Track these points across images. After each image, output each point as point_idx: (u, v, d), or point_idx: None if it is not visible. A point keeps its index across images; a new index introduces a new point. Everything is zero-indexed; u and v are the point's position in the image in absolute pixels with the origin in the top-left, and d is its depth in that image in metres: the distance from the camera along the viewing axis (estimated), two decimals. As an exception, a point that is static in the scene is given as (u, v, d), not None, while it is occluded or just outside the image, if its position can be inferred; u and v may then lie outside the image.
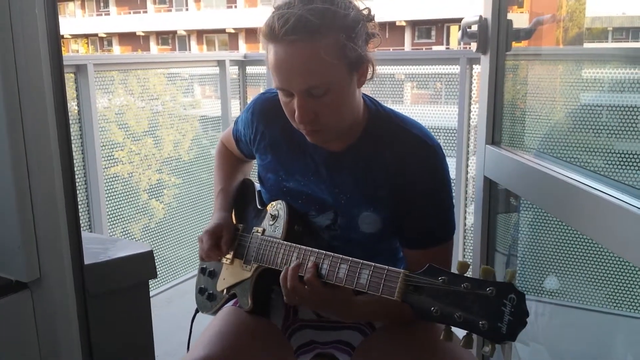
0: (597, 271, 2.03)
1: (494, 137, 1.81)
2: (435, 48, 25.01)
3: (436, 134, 3.13)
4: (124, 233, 3.26)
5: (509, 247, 2.06)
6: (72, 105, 2.82)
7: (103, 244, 1.64)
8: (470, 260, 2.36)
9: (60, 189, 1.23)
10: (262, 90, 1.52)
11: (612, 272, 2.01)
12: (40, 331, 1.28)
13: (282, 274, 1.25)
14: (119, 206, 3.17)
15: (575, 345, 2.03)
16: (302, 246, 1.27)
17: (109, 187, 3.06)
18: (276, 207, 1.41)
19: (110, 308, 1.45)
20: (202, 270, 1.61)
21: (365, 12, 1.23)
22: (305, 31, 1.14)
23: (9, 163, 1.18)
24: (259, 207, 1.52)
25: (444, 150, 1.33)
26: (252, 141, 1.47)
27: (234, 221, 1.55)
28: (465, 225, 3.10)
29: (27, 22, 1.13)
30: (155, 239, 3.47)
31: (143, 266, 1.57)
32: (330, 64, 1.16)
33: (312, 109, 1.20)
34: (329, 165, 1.35)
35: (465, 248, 3.12)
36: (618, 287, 2.01)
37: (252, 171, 1.68)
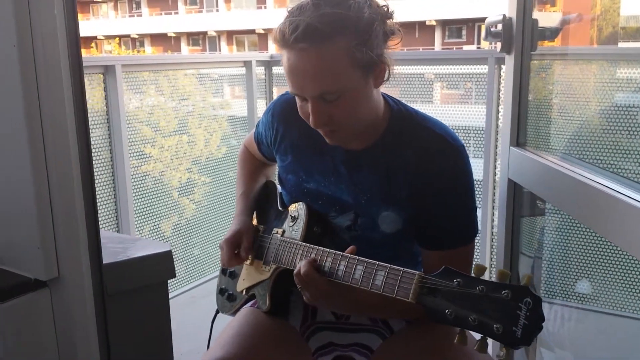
0: (626, 276, 1.98)
1: (518, 138, 1.77)
2: (465, 47, 24.75)
3: (466, 134, 3.07)
4: (153, 231, 3.29)
5: (534, 250, 2.02)
6: (101, 106, 2.86)
7: (123, 243, 1.65)
8: (494, 265, 2.32)
9: (79, 189, 1.24)
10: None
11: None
12: (59, 329, 1.30)
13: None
14: (149, 204, 3.20)
15: (602, 351, 1.99)
16: (320, 247, 1.26)
17: (138, 186, 3.09)
18: (296, 208, 1.41)
19: (128, 307, 1.46)
20: (223, 271, 1.62)
21: (382, 10, 1.20)
22: (313, 39, 1.13)
23: (28, 163, 1.20)
24: (280, 208, 1.51)
25: (471, 151, 1.30)
26: (273, 143, 1.47)
27: (256, 222, 1.55)
28: (492, 228, 3.03)
29: (46, 23, 1.14)
30: (185, 237, 3.50)
31: (162, 266, 1.57)
32: (341, 69, 1.16)
33: (325, 112, 1.20)
34: (348, 164, 1.34)
35: (492, 251, 3.06)
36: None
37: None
